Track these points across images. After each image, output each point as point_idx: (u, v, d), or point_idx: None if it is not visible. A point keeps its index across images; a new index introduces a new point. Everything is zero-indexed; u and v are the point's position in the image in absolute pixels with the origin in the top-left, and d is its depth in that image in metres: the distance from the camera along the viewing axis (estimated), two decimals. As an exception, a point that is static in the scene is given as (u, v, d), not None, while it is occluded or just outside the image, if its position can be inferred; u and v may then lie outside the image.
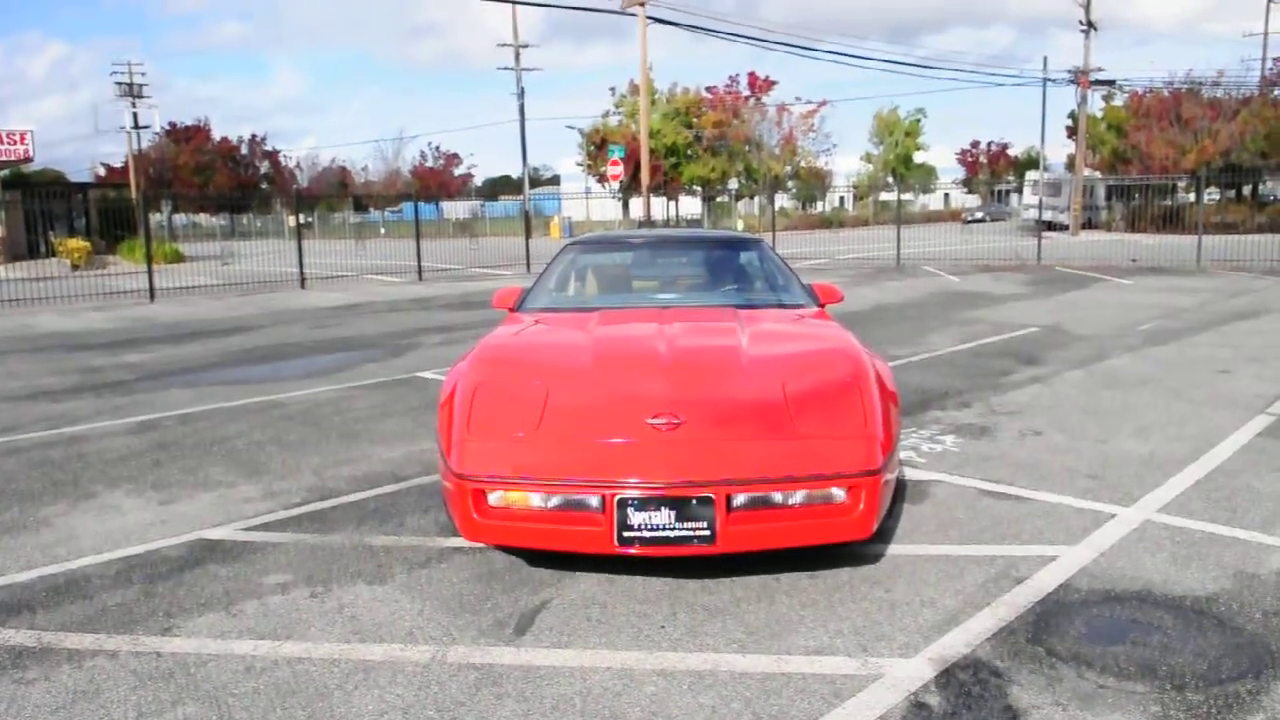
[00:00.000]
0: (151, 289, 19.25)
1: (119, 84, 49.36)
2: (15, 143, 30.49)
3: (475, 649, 3.45)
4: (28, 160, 32.33)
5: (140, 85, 49.82)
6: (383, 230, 52.79)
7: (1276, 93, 44.35)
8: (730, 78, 60.13)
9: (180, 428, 7.19)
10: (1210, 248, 22.34)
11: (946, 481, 5.36)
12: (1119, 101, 48.94)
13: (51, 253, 29.75)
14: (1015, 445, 6.14)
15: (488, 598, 3.89)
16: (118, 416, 7.67)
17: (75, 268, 27.28)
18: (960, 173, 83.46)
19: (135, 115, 49.17)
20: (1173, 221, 33.72)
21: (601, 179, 51.18)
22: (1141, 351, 9.85)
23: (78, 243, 29.55)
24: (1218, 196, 40.90)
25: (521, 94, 39.22)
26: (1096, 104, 48.06)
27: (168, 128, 63.06)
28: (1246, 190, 42.88)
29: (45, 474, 5.97)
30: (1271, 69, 46.14)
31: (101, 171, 65.58)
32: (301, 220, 24.93)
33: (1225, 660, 3.28)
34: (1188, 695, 3.05)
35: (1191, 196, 36.66)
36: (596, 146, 54.38)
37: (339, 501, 5.23)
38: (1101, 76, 44.22)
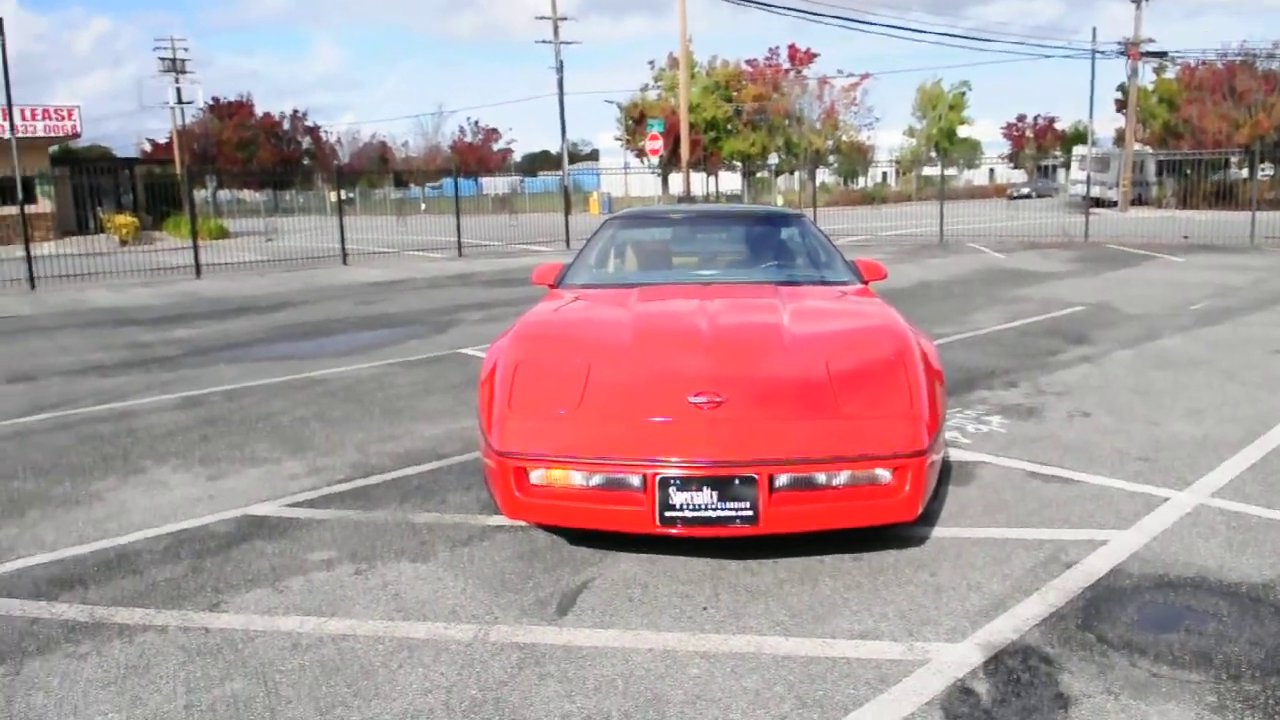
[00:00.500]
0: (197, 264, 19.52)
1: (163, 59, 50.07)
2: (63, 119, 31.04)
3: (518, 628, 3.46)
4: (75, 136, 32.93)
5: (184, 61, 50.51)
6: (423, 206, 52.99)
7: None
8: (770, 50, 59.35)
9: (226, 403, 7.29)
10: (1264, 224, 21.73)
11: (993, 463, 5.28)
12: (1170, 74, 47.68)
13: (100, 228, 30.31)
14: (1063, 426, 6.02)
15: (529, 576, 3.90)
16: (166, 392, 7.78)
17: (123, 243, 27.78)
18: (1006, 147, 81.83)
19: (179, 91, 49.88)
20: (1225, 198, 32.82)
21: (640, 154, 50.93)
22: (1193, 331, 9.62)
23: (125, 218, 30.06)
24: (1271, 172, 39.72)
25: (560, 68, 38.98)
26: (1147, 76, 46.88)
27: (211, 103, 63.72)
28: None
29: (96, 448, 6.07)
30: (1331, 38, 44.62)
31: (147, 147, 66.53)
32: (343, 196, 25.11)
33: (1284, 651, 3.19)
34: (1244, 685, 2.97)
35: (1245, 172, 35.64)
36: (635, 121, 54.07)
37: (382, 478, 5.27)
38: (1152, 48, 43.09)
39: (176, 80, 49.92)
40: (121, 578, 4.01)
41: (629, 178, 38.57)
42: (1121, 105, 47.36)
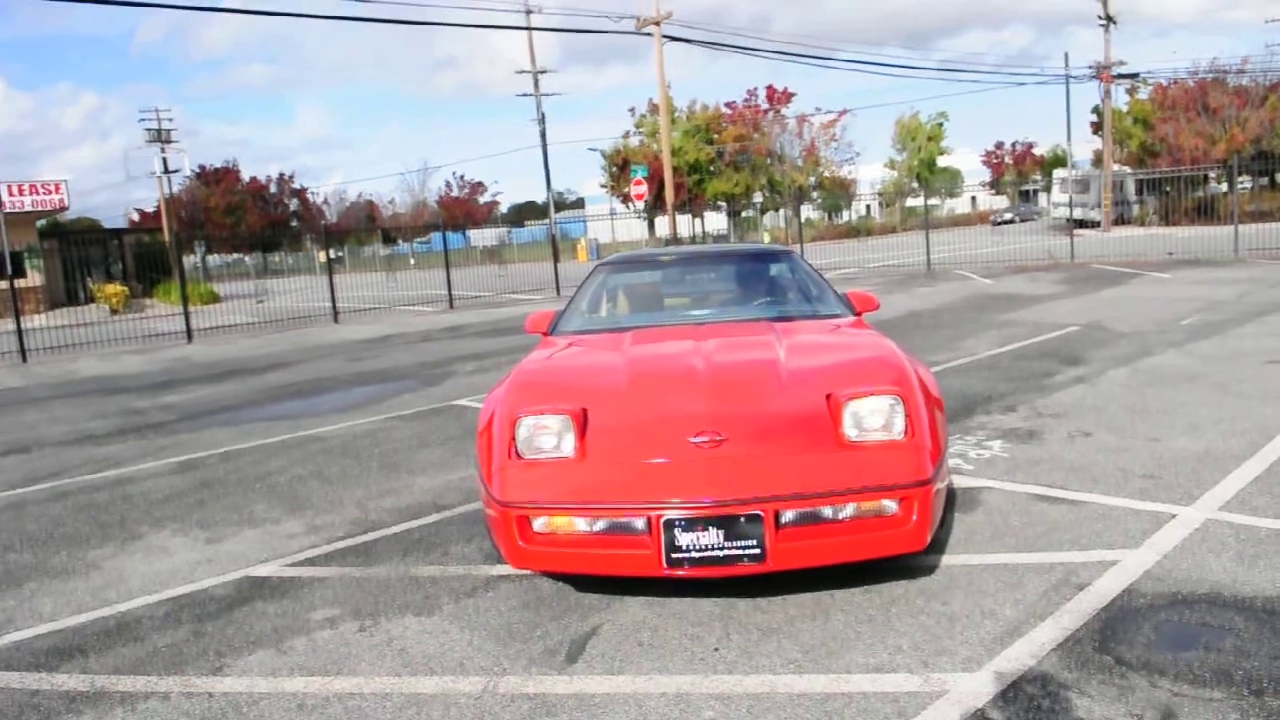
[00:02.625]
0: (189, 330, 19.52)
1: (148, 130, 50.47)
2: (50, 192, 31.16)
3: (527, 678, 3.40)
4: (63, 209, 33.03)
5: (169, 131, 50.90)
6: (412, 261, 53.22)
7: (1305, 77, 43.63)
8: (749, 91, 60.19)
9: (222, 465, 7.23)
10: (1247, 237, 21.94)
11: (997, 488, 5.25)
12: (1143, 94, 48.36)
13: (90, 299, 30.33)
14: (1065, 447, 6.01)
15: (537, 625, 3.84)
16: (161, 457, 7.73)
17: (114, 312, 27.79)
18: (986, 175, 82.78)
19: (165, 160, 50.15)
20: (1206, 213, 33.13)
21: (625, 199, 51.38)
22: (1186, 346, 9.64)
23: (115, 288, 30.11)
24: (1250, 185, 40.17)
25: (542, 119, 39.38)
26: (1121, 98, 47.54)
27: (198, 170, 64.15)
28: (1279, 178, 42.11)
29: (92, 517, 6.01)
30: (1297, 53, 45.39)
31: (135, 216, 66.88)
32: (332, 255, 25.21)
33: (1304, 662, 3.15)
34: (1267, 700, 2.93)
35: (1224, 187, 36.04)
36: (619, 167, 54.55)
37: (383, 533, 5.22)
38: (1124, 70, 43.69)
39: (162, 150, 50.27)
40: (122, 645, 3.94)
41: (615, 223, 38.88)
42: (1097, 127, 47.96)
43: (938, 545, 4.32)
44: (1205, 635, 3.39)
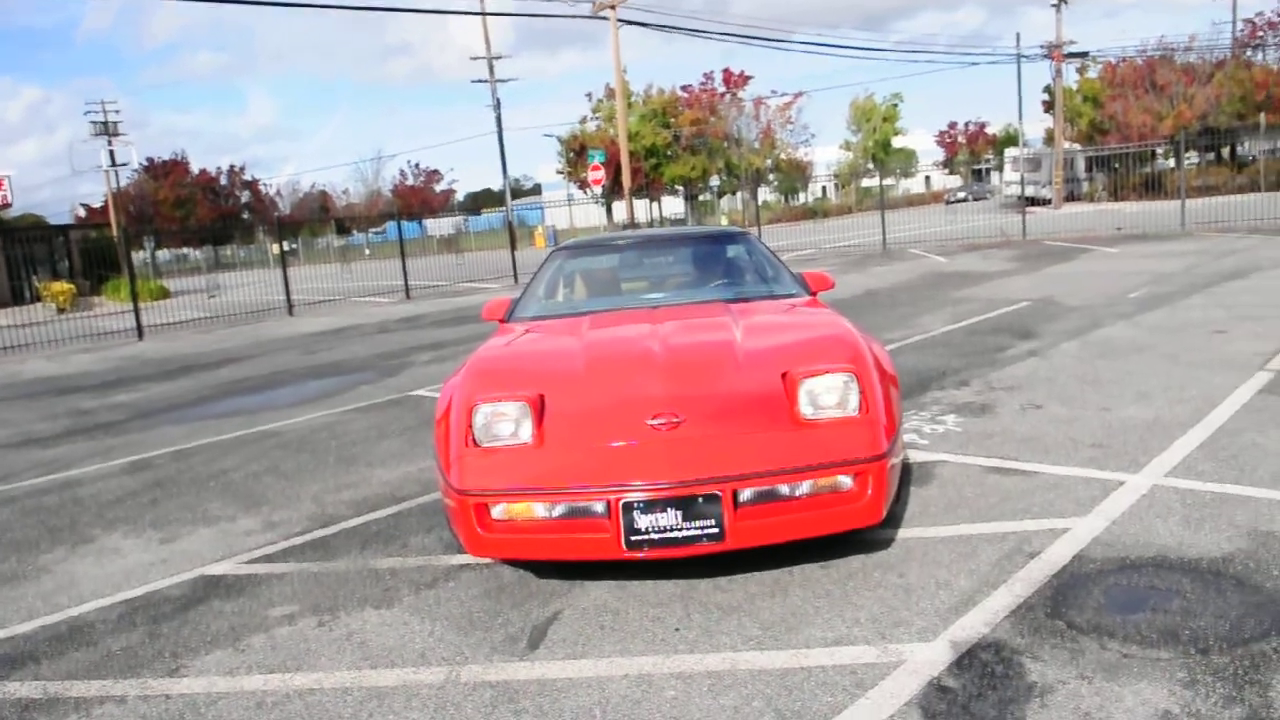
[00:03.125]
0: (139, 327, 19.15)
1: (94, 123, 49.23)
2: (-8, 190, 30.39)
3: (489, 667, 3.39)
4: (6, 206, 32.30)
5: (115, 123, 49.71)
6: (367, 252, 52.59)
7: (1249, 54, 44.55)
8: (705, 75, 60.30)
9: (175, 464, 7.12)
10: (1194, 211, 22.39)
11: (951, 461, 5.32)
12: (1093, 73, 49.07)
13: (36, 297, 29.63)
14: (1017, 420, 6.10)
15: (498, 613, 3.84)
16: (111, 458, 7.59)
17: (61, 311, 27.17)
18: (940, 155, 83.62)
19: (112, 154, 49.07)
20: (1155, 188, 33.79)
21: (583, 185, 51.16)
22: (1135, 318, 9.83)
23: (61, 286, 29.43)
24: (1197, 160, 40.98)
25: (497, 105, 39.13)
26: (1071, 77, 48.21)
27: (146, 164, 62.90)
28: (1225, 152, 42.99)
29: (41, 521, 5.89)
30: (1242, 30, 46.38)
31: (81, 212, 65.41)
32: (285, 247, 24.83)
33: (1247, 620, 3.23)
34: (1213, 658, 3.01)
35: (1171, 162, 36.73)
36: (576, 153, 54.33)
37: (341, 527, 5.17)
38: (1074, 49, 44.33)
39: (109, 143, 49.12)
40: (75, 650, 3.87)
41: (573, 209, 38.71)
42: (1049, 106, 48.63)
43: (894, 519, 4.37)
44: (1153, 598, 3.47)
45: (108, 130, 49.48)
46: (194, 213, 62.88)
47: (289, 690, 3.35)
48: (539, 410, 3.97)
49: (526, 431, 3.92)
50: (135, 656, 3.75)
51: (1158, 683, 2.89)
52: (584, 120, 57.51)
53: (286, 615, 4.03)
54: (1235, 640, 3.11)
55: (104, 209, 54.89)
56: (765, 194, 61.74)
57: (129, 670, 3.63)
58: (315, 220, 63.52)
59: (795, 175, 61.94)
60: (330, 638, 3.76)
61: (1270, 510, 4.19)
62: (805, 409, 3.87)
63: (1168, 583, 3.58)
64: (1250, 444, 5.16)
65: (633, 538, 3.60)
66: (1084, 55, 46.71)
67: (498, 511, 3.80)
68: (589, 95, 59.04)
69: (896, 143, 72.02)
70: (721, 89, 59.20)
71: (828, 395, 3.91)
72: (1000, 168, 53.92)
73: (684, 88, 58.44)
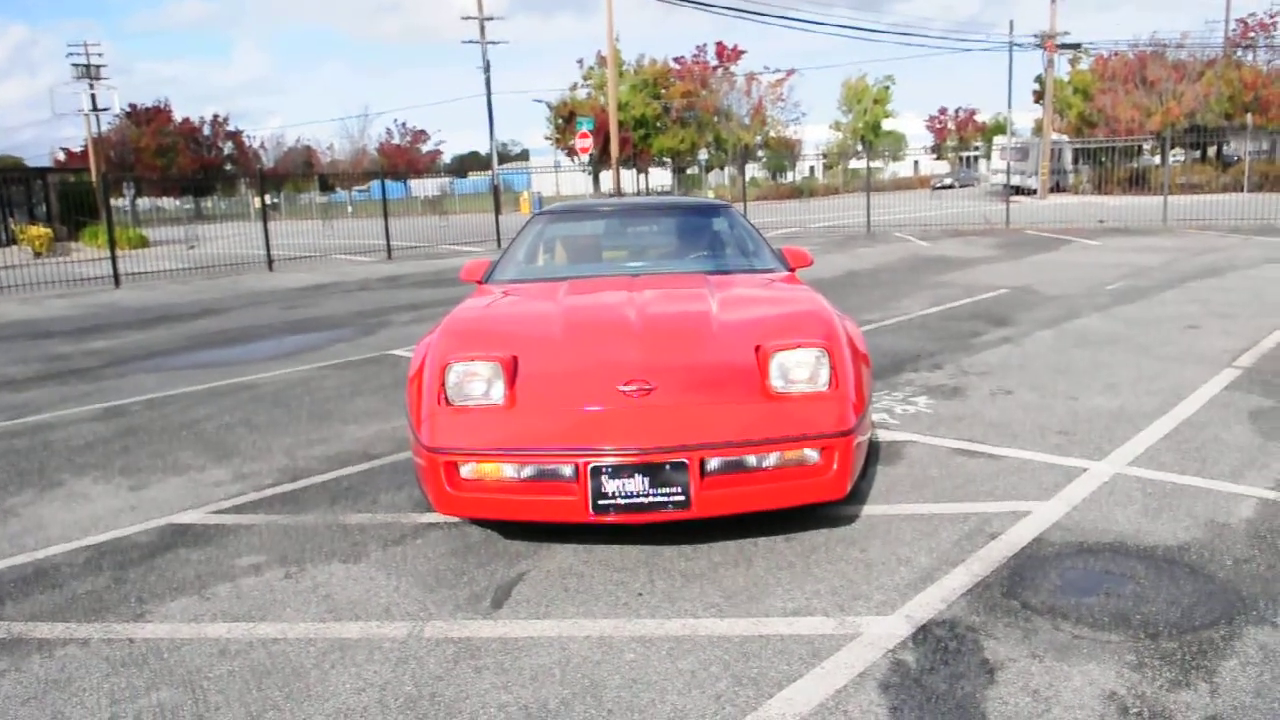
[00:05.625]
0: (116, 275, 18.94)
1: (76, 66, 48.30)
2: (-31, 129, 29.81)
3: (452, 623, 3.43)
4: (-17, 147, 31.63)
5: (98, 67, 48.77)
6: (350, 209, 52.13)
7: (1239, 54, 44.71)
8: (698, 48, 59.98)
9: (148, 413, 7.09)
10: (1176, 208, 22.56)
11: (920, 442, 5.38)
12: (1085, 65, 49.15)
13: (12, 240, 29.21)
14: (987, 404, 6.17)
15: (464, 572, 3.87)
16: (84, 403, 7.54)
17: (37, 255, 26.77)
18: (929, 139, 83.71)
19: (94, 98, 48.17)
20: (1139, 183, 33.98)
21: (571, 153, 50.84)
22: (1110, 310, 9.93)
23: (39, 230, 28.96)
24: (1183, 158, 41.23)
25: (487, 67, 38.72)
26: (1063, 68, 48.26)
27: (128, 110, 61.73)
28: (1211, 151, 43.26)
29: (10, 463, 5.86)
30: (1234, 30, 46.54)
31: (61, 156, 64.34)
32: (267, 201, 24.57)
33: (1198, 608, 3.31)
34: (1161, 643, 3.08)
35: (1157, 158, 36.92)
36: (565, 120, 53.98)
37: (311, 481, 5.18)
38: (1067, 40, 44.33)
39: (91, 86, 48.18)
40: (40, 593, 3.87)
41: (560, 176, 38.51)
42: (1039, 96, 48.69)
43: (859, 495, 4.43)
44: (1107, 582, 3.54)
45: (90, 73, 48.54)
46: (176, 162, 62.03)
47: (252, 639, 3.37)
48: (511, 371, 3.99)
49: (498, 392, 3.93)
50: (100, 601, 3.76)
51: (1106, 664, 2.97)
52: (574, 87, 57.17)
53: (253, 565, 4.04)
54: (1185, 626, 3.18)
55: (84, 154, 53.99)
56: (753, 170, 61.59)
57: (93, 614, 3.64)
58: (299, 175, 62.88)
59: (784, 153, 61.82)
60: (296, 589, 3.78)
61: (1228, 503, 4.28)
62: (776, 382, 3.90)
63: (1123, 568, 3.65)
64: (1213, 438, 5.25)
65: (600, 502, 3.63)
66: (1076, 47, 46.76)
67: (467, 471, 3.82)
68: (580, 62, 58.65)
69: (886, 125, 71.96)
70: (714, 62, 58.88)
71: (799, 369, 3.95)
72: (988, 156, 54.11)
73: (677, 59, 58.20)
